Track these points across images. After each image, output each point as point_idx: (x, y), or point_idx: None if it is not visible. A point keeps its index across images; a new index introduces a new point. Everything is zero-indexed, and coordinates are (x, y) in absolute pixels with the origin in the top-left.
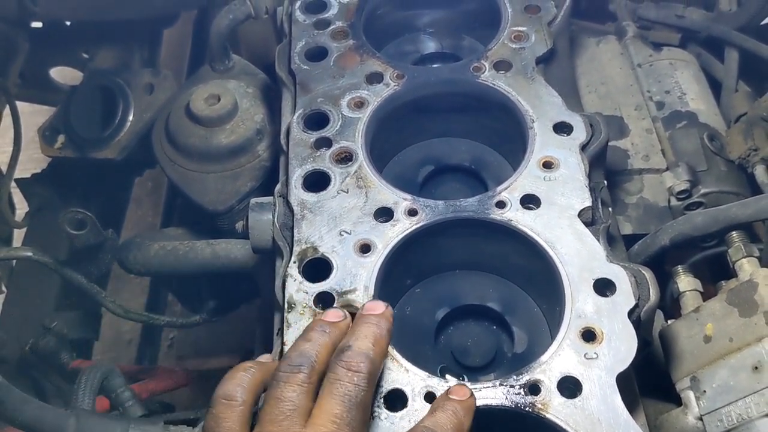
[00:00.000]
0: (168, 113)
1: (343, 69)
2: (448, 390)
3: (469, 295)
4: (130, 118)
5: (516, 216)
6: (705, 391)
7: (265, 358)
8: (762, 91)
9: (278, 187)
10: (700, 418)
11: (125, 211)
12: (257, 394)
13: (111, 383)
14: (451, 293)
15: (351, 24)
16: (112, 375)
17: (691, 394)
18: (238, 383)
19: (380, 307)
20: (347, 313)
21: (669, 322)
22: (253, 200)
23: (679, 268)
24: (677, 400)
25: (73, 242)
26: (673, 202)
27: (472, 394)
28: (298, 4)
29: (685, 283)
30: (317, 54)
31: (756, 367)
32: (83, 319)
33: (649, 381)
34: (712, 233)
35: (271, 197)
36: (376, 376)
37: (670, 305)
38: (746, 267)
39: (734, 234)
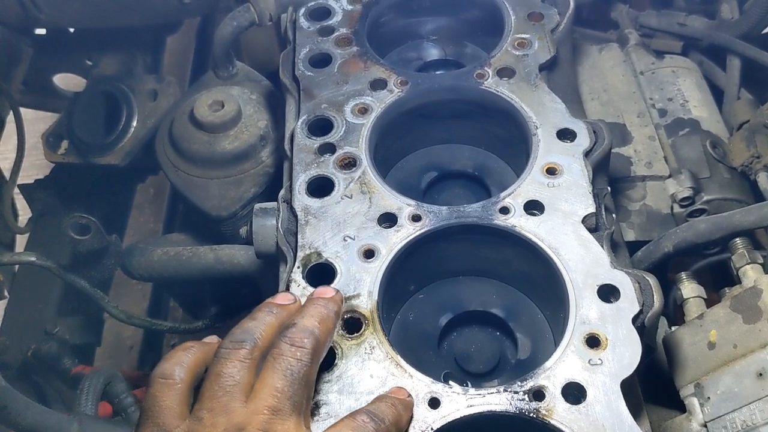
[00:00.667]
0: (172, 119)
1: (347, 75)
2: (390, 390)
3: (473, 301)
4: (134, 124)
5: (520, 222)
6: (709, 398)
7: (210, 339)
8: (764, 99)
9: (282, 192)
10: (705, 425)
11: (127, 216)
12: (197, 374)
13: (114, 388)
14: (454, 299)
15: (355, 31)
16: (115, 380)
17: (695, 401)
18: (177, 362)
19: (330, 292)
20: (297, 297)
21: (673, 328)
22: (257, 206)
23: (683, 274)
24: (681, 407)
25: (77, 247)
26: (676, 209)
27: (410, 395)
28: (302, 11)
29: (689, 289)
30: (321, 60)
31: (760, 374)
32: (85, 324)
33: (654, 387)
34: (715, 240)
35: (275, 203)
36: (320, 354)
37: (674, 312)
38: (750, 273)
39: (737, 241)
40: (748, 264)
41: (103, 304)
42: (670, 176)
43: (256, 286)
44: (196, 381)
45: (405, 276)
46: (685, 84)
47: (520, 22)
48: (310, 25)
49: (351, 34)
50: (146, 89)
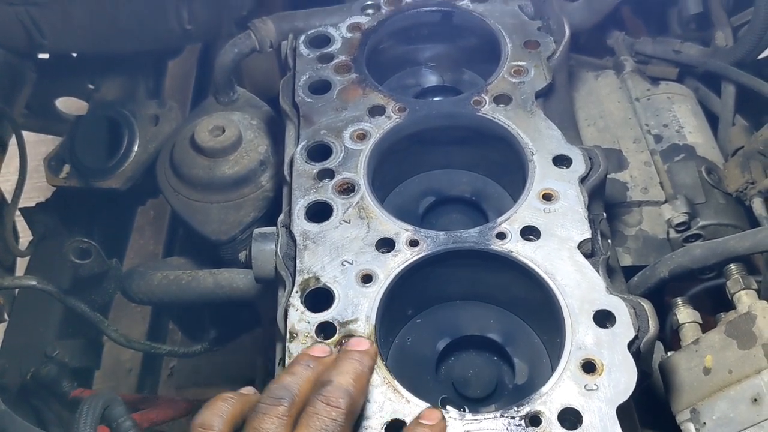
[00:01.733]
0: (173, 144)
1: (346, 102)
2: (419, 414)
3: (470, 326)
4: (135, 148)
5: (516, 247)
6: (705, 423)
7: (247, 390)
8: (759, 125)
9: (281, 217)
10: None
11: (128, 240)
12: (235, 425)
13: (112, 412)
14: (452, 324)
15: (354, 58)
16: (114, 404)
17: (691, 426)
18: (217, 413)
19: (365, 344)
20: (333, 348)
21: (668, 353)
22: (257, 230)
23: (678, 300)
24: None
25: (78, 271)
26: (672, 234)
27: (443, 418)
28: (302, 38)
29: (685, 314)
30: (321, 87)
31: (755, 399)
32: (84, 347)
33: (649, 413)
34: (710, 265)
35: (274, 227)
36: (354, 413)
37: (670, 337)
38: (744, 299)
39: (732, 266)
40: (743, 290)
41: (102, 327)
42: (665, 202)
43: (255, 309)
44: None
45: (403, 301)
46: (680, 110)
47: (517, 49)
48: (309, 52)
49: (350, 61)
50: (148, 114)
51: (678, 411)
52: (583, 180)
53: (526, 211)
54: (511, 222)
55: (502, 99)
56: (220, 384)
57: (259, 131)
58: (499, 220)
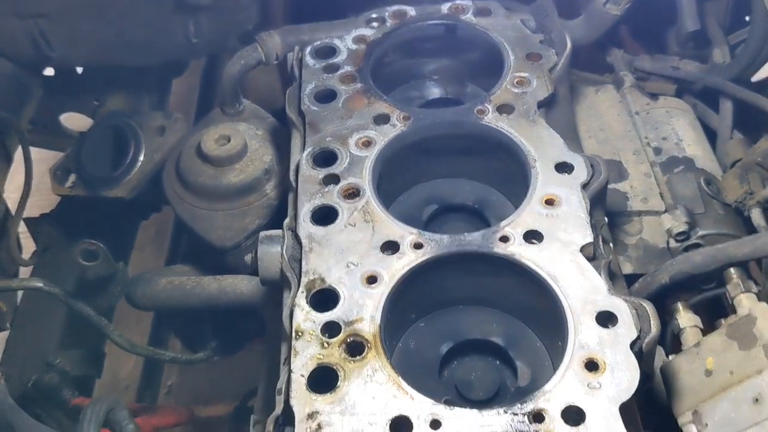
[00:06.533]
0: (179, 153)
1: (352, 110)
2: None
3: (473, 329)
4: (141, 158)
5: (519, 250)
6: (707, 425)
7: None
8: (756, 139)
9: (287, 221)
10: None
11: (130, 253)
12: None
13: (116, 416)
14: (455, 328)
15: (359, 69)
16: (117, 407)
17: (693, 428)
18: None
19: None
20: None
21: (671, 357)
22: (263, 233)
23: (679, 305)
24: None
25: (85, 273)
26: (672, 243)
27: None
28: (308, 49)
29: (685, 319)
30: (326, 96)
31: (756, 399)
32: (86, 356)
33: (652, 416)
34: (710, 272)
35: (280, 230)
36: None
37: (671, 343)
38: (744, 302)
39: (732, 271)
40: (743, 293)
41: (107, 332)
42: (665, 211)
43: (258, 319)
44: None
45: (406, 304)
46: (679, 124)
47: (519, 61)
48: (315, 62)
49: (355, 72)
50: (154, 125)
51: (680, 413)
52: (585, 186)
53: (528, 215)
54: (514, 226)
55: (505, 108)
56: (219, 401)
57: (264, 141)
58: (503, 224)
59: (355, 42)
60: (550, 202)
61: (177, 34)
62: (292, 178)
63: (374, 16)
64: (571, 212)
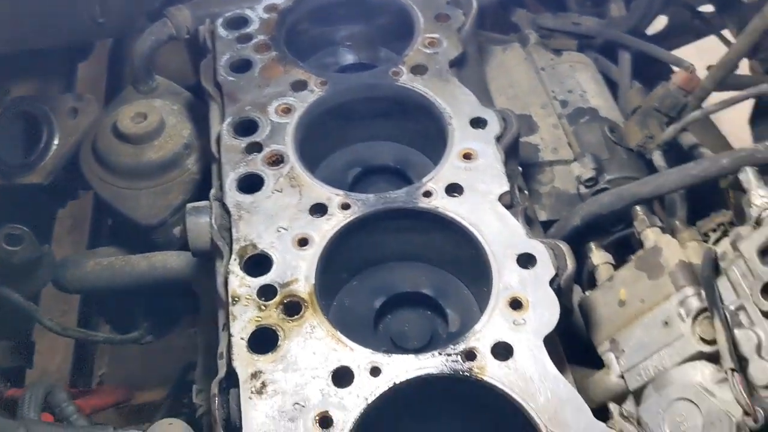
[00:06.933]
0: (95, 134)
1: (268, 79)
2: None
3: (404, 283)
4: (56, 142)
5: (442, 203)
6: (624, 351)
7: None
8: (652, 86)
9: (213, 191)
10: (622, 376)
11: (50, 243)
12: None
13: (55, 398)
14: (386, 283)
15: (272, 37)
16: (56, 390)
17: (611, 356)
18: None
19: None
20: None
21: (587, 293)
22: (189, 205)
23: (592, 244)
24: (600, 364)
25: (10, 259)
26: (582, 189)
27: None
28: (220, 21)
29: (598, 257)
30: (242, 66)
31: (666, 323)
32: (15, 347)
33: (574, 350)
34: (617, 211)
35: (207, 202)
36: None
37: (587, 281)
38: (650, 236)
39: (637, 208)
40: (648, 228)
41: (37, 316)
42: (574, 160)
43: (188, 297)
44: None
45: (338, 263)
46: (582, 77)
47: (429, 23)
48: (228, 33)
49: (269, 40)
50: (66, 108)
51: (599, 343)
52: (498, 139)
53: (448, 170)
54: (436, 181)
55: (418, 69)
56: (153, 386)
57: (181, 116)
58: (425, 179)
59: (267, 11)
60: (467, 156)
61: (82, 15)
62: (213, 149)
63: None
64: (487, 164)
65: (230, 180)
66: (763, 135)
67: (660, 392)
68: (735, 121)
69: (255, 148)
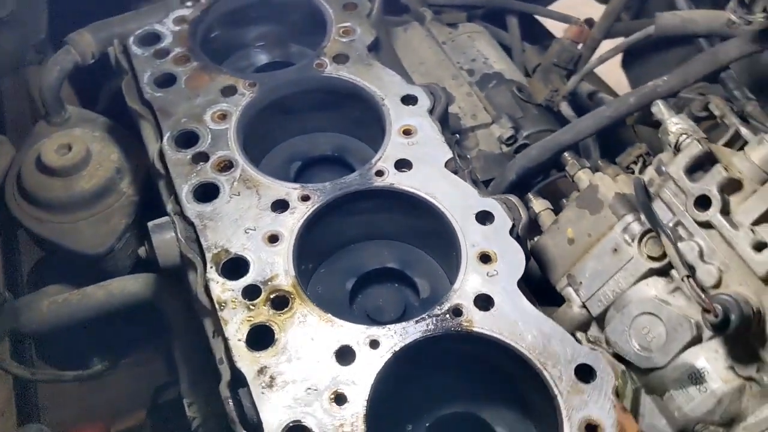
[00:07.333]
0: (17, 174)
1: (197, 89)
2: None
3: (371, 261)
4: None
5: (395, 179)
6: (581, 283)
7: None
8: (544, 46)
9: (170, 206)
10: (583, 305)
11: None
12: None
13: None
14: (354, 264)
15: (189, 48)
16: None
17: (570, 290)
18: None
19: None
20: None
21: (536, 238)
22: (151, 223)
23: (530, 194)
24: (561, 300)
25: None
26: (505, 148)
27: None
28: (131, 39)
29: (538, 204)
30: (167, 81)
31: (615, 250)
32: None
33: (534, 294)
34: (546, 161)
35: (167, 217)
36: None
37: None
38: (583, 177)
39: (566, 154)
40: (580, 170)
41: (4, 365)
42: (492, 122)
43: (144, 321)
44: None
45: (308, 253)
46: (480, 45)
47: (339, 13)
48: (143, 51)
49: (187, 52)
50: None
51: (557, 281)
52: (431, 112)
53: (393, 148)
54: (384, 160)
55: (340, 58)
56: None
57: (104, 141)
58: (374, 160)
59: (177, 23)
60: (407, 132)
61: None
62: (158, 166)
63: None
64: (427, 136)
65: (185, 192)
66: (639, 75)
67: (621, 312)
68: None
69: (201, 157)
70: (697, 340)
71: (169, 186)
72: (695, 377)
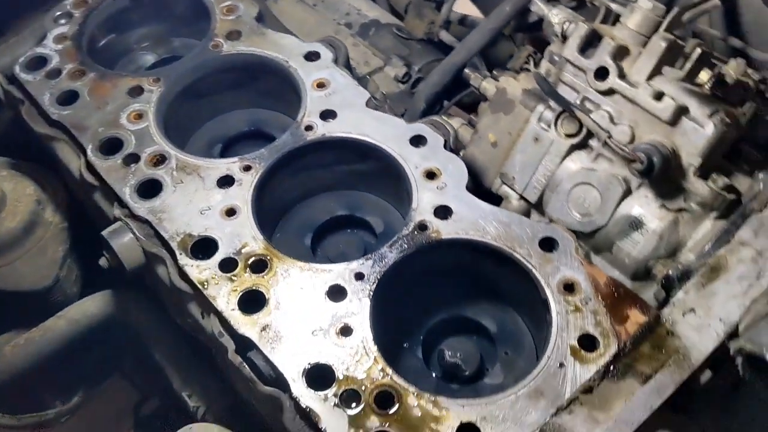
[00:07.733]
0: None
1: (103, 97)
2: None
3: (322, 214)
4: None
5: (326, 129)
6: (514, 177)
7: None
8: None
9: (116, 211)
10: (521, 197)
11: None
12: None
13: None
14: (307, 220)
15: (81, 62)
16: None
17: (506, 188)
18: None
19: None
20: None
21: (461, 152)
22: (104, 232)
23: (441, 117)
24: (499, 201)
25: None
26: (402, 86)
27: None
28: (17, 68)
29: (454, 122)
30: (69, 97)
31: (536, 138)
32: None
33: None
34: (448, 82)
35: (118, 223)
36: None
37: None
38: (488, 85)
39: (466, 71)
40: (483, 80)
41: None
42: (385, 65)
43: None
44: None
45: (263, 219)
46: None
47: None
48: (34, 75)
49: (80, 66)
50: None
51: (491, 183)
52: (335, 62)
53: (313, 103)
54: (308, 114)
55: (233, 35)
56: None
57: (14, 178)
58: (299, 117)
59: (58, 41)
60: (321, 85)
61: None
62: (88, 179)
63: (59, 13)
64: (341, 84)
65: (128, 194)
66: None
67: (556, 191)
68: None
69: (132, 158)
70: (627, 192)
71: (108, 194)
72: (635, 224)
